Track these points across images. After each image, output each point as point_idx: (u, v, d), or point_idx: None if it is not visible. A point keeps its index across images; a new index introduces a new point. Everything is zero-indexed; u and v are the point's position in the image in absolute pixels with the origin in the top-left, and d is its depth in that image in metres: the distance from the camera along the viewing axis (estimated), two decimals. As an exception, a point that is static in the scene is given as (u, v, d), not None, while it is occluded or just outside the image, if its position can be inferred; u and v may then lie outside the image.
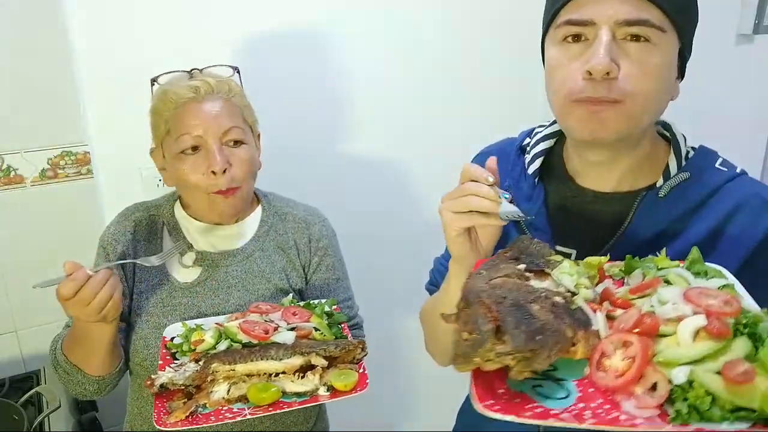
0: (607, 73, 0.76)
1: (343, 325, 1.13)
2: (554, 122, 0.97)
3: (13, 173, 1.50)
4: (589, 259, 0.76)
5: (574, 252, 0.91)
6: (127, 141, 1.43)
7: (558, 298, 0.65)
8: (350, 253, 1.36)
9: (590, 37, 0.79)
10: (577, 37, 0.80)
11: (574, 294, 0.68)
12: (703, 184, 0.86)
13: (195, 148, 1.10)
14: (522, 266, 0.72)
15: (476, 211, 0.80)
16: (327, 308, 1.14)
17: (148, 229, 1.21)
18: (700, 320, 0.59)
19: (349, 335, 1.10)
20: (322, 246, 1.27)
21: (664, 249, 0.76)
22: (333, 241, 1.30)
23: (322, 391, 0.99)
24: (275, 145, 1.34)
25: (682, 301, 0.63)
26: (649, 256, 0.75)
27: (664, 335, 0.61)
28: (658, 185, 0.87)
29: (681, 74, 0.87)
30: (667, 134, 0.93)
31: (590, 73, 0.77)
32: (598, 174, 0.90)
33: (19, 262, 1.54)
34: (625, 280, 0.75)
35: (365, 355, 1.05)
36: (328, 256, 1.28)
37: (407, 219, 1.87)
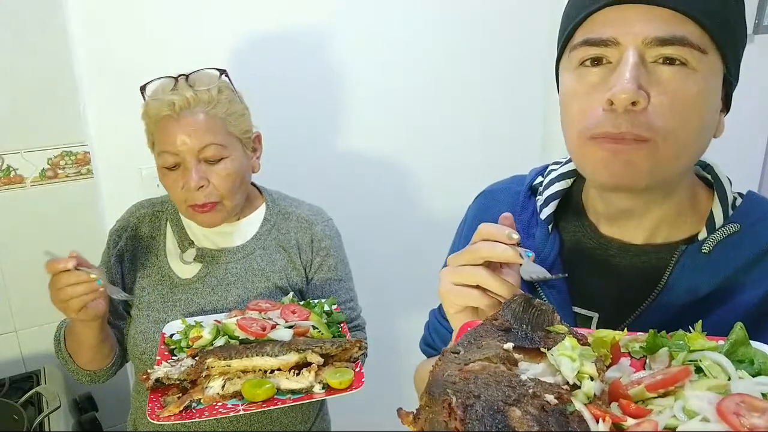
0: (633, 104, 0.61)
1: (342, 325, 1.13)
2: (570, 159, 0.83)
3: (13, 173, 1.49)
4: (600, 332, 0.58)
5: (596, 315, 0.76)
6: (127, 141, 1.42)
7: (550, 397, 0.49)
8: (352, 254, 1.36)
9: (613, 60, 0.65)
10: (597, 61, 0.66)
11: (574, 386, 0.52)
12: (756, 239, 0.70)
13: (175, 165, 1.11)
14: (509, 345, 0.57)
15: (481, 287, 0.67)
16: (326, 307, 1.14)
17: (151, 226, 1.23)
18: None
19: (348, 335, 1.11)
20: (324, 246, 1.27)
21: (700, 322, 0.58)
22: (336, 242, 1.30)
23: (317, 389, 0.99)
24: (278, 145, 1.34)
25: (715, 416, 0.45)
26: (680, 331, 0.58)
27: None
28: (700, 238, 0.72)
29: (726, 106, 0.71)
30: (708, 177, 0.77)
31: (612, 103, 0.62)
32: (627, 223, 0.75)
33: (19, 262, 1.54)
34: (647, 362, 0.58)
35: (362, 354, 1.06)
36: (330, 256, 1.27)
37: (408, 219, 1.87)
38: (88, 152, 1.51)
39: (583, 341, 0.58)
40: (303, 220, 1.27)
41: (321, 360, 1.01)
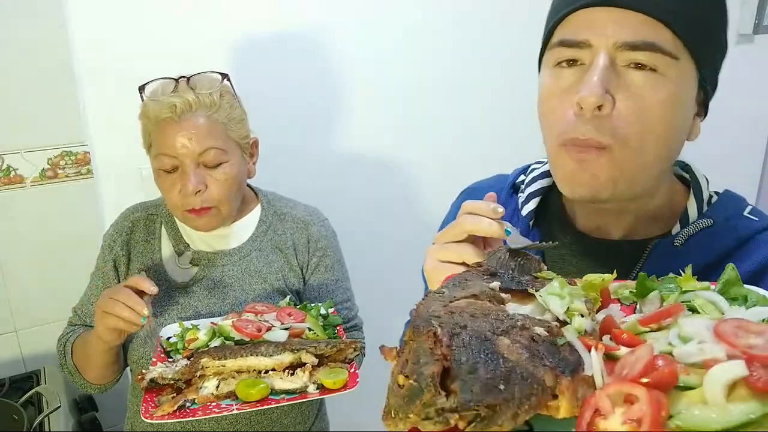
0: (599, 108, 0.63)
1: (338, 328, 1.13)
2: None
3: (13, 173, 1.50)
4: (590, 277, 0.57)
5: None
6: (127, 141, 1.42)
7: (540, 329, 0.48)
8: (348, 253, 1.36)
9: (586, 62, 0.66)
10: (571, 62, 0.68)
11: (564, 324, 0.51)
12: (728, 234, 0.72)
13: (173, 168, 1.10)
14: (496, 284, 0.55)
15: (466, 264, 0.66)
16: (323, 311, 1.14)
17: (145, 229, 1.22)
18: (738, 368, 0.41)
19: (344, 338, 1.11)
20: (320, 247, 1.27)
21: (689, 266, 0.58)
22: (332, 242, 1.30)
23: (312, 389, 1.00)
24: (274, 145, 1.33)
25: (712, 339, 0.44)
26: (670, 275, 0.58)
27: (686, 388, 0.42)
28: (674, 232, 0.74)
29: (704, 111, 0.72)
30: (686, 176, 0.79)
31: (581, 107, 0.64)
32: (604, 221, 0.77)
33: (19, 262, 1.54)
34: (638, 306, 0.57)
35: (357, 355, 1.06)
36: (327, 257, 1.27)
37: (406, 219, 1.87)
38: (88, 152, 1.52)
39: (571, 283, 0.57)
40: (299, 221, 1.27)
41: (315, 360, 1.01)
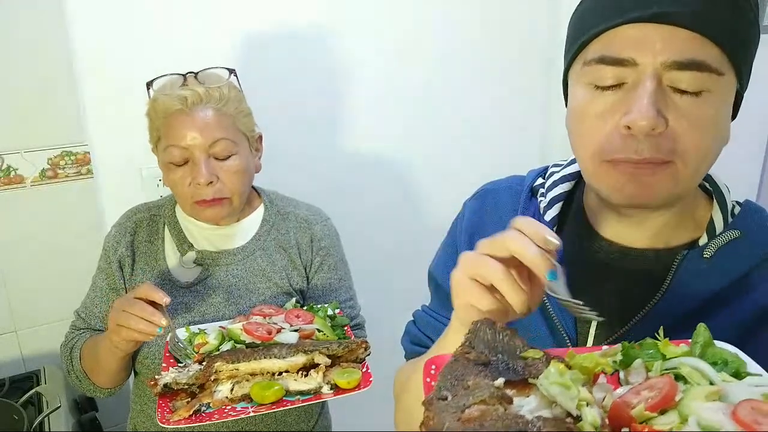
0: (653, 130, 0.61)
1: (346, 328, 1.13)
2: (572, 161, 0.83)
3: (13, 173, 1.50)
4: (580, 359, 0.54)
5: (595, 320, 0.73)
6: (127, 141, 1.42)
7: None
8: (351, 253, 1.36)
9: (629, 81, 0.64)
10: (614, 85, 0.65)
11: (575, 418, 0.48)
12: (756, 246, 0.71)
13: (183, 160, 1.10)
14: (500, 381, 0.53)
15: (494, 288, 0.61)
16: (330, 311, 1.14)
17: (149, 230, 1.22)
18: None
19: (352, 337, 1.11)
20: (323, 246, 1.27)
21: (662, 328, 0.57)
22: (335, 241, 1.30)
23: (326, 389, 1.00)
24: (275, 145, 1.34)
25: (735, 427, 0.44)
26: (648, 339, 0.57)
27: None
28: (701, 243, 0.73)
29: (734, 114, 0.71)
30: (707, 184, 0.78)
31: (629, 128, 0.62)
32: (628, 228, 0.75)
33: (19, 262, 1.54)
34: (621, 376, 0.55)
35: (368, 355, 1.06)
36: (330, 256, 1.27)
37: (407, 218, 1.87)
38: (88, 152, 1.52)
39: (567, 364, 0.54)
40: (302, 220, 1.27)
41: (328, 361, 1.02)
